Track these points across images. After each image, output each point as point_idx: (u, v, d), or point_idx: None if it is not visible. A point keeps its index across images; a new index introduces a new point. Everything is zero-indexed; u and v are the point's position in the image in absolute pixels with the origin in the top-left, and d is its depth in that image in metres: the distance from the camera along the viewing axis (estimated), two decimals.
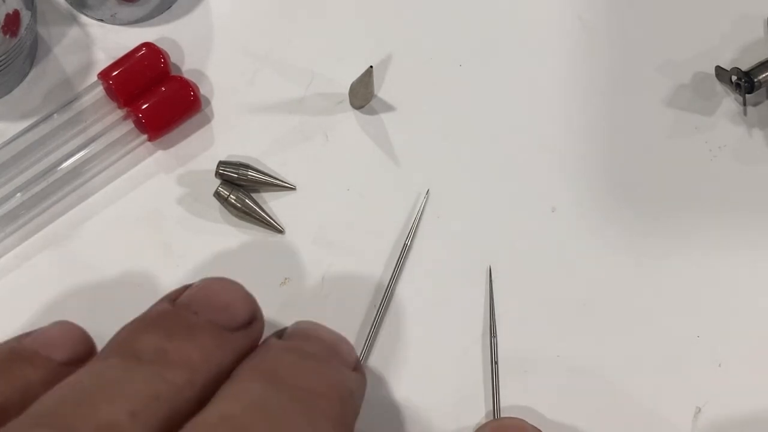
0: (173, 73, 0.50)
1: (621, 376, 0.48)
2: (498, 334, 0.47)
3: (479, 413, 0.47)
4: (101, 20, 0.51)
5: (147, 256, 0.48)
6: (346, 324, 0.47)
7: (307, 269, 0.48)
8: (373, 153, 0.51)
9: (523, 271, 0.49)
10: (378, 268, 0.48)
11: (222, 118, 0.50)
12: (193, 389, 0.29)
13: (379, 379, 0.47)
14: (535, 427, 0.43)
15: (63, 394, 0.28)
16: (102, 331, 0.47)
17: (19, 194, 0.47)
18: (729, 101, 0.53)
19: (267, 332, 0.47)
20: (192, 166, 0.49)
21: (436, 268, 0.49)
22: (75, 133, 0.49)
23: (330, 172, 0.50)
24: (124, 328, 0.33)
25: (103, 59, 0.50)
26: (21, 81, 0.50)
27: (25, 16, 0.47)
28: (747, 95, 0.52)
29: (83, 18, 0.51)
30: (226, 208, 0.48)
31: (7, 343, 0.33)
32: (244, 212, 0.48)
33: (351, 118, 0.51)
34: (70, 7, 0.51)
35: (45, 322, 0.46)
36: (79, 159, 0.48)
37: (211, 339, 0.31)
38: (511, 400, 0.47)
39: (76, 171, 0.48)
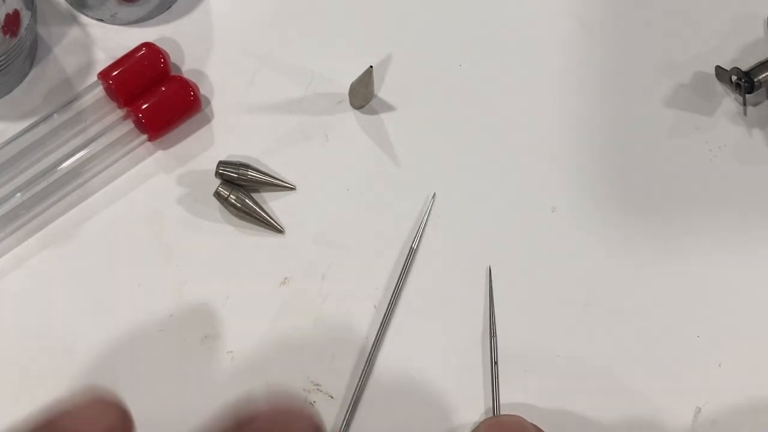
0: (173, 73, 0.50)
1: (621, 375, 0.48)
2: (498, 334, 0.47)
3: (479, 412, 0.47)
4: (101, 20, 0.51)
5: (147, 256, 0.48)
6: (346, 324, 0.47)
7: (307, 269, 0.48)
8: (373, 153, 0.51)
9: (523, 271, 0.49)
10: (378, 268, 0.48)
11: (222, 118, 0.50)
12: None
13: (381, 378, 0.47)
14: (534, 425, 0.43)
15: None
16: (102, 330, 0.47)
17: (19, 194, 0.47)
18: (729, 101, 0.53)
19: (267, 331, 0.47)
20: (192, 166, 0.49)
21: (436, 268, 0.49)
22: (75, 133, 0.49)
23: (330, 172, 0.50)
24: None
25: (103, 59, 0.50)
26: (21, 81, 0.50)
27: (25, 16, 0.47)
28: (747, 95, 0.52)
29: (83, 18, 0.51)
30: (226, 208, 0.48)
31: (44, 418, 0.33)
32: (244, 212, 0.48)
33: (351, 118, 0.51)
34: (70, 7, 0.51)
35: (45, 322, 0.46)
36: (79, 159, 0.48)
37: None
38: (511, 400, 0.47)
39: (76, 171, 0.48)
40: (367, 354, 0.47)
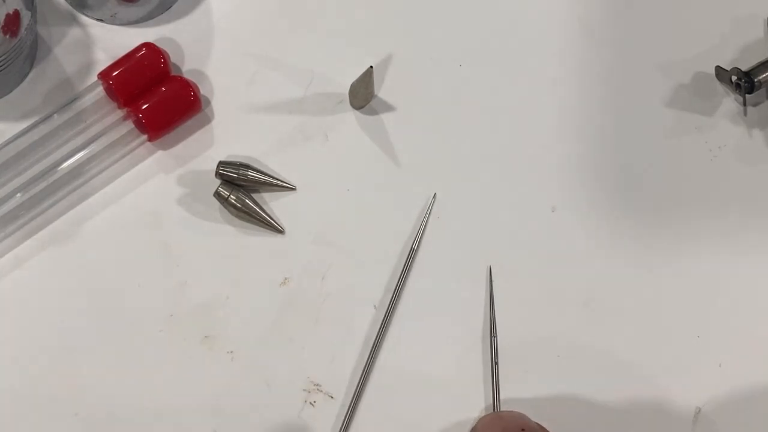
0: (173, 73, 0.50)
1: (621, 375, 0.48)
2: (498, 334, 0.47)
3: (479, 411, 0.47)
4: (101, 20, 0.51)
5: (147, 256, 0.48)
6: (346, 324, 0.47)
7: (307, 269, 0.48)
8: (373, 153, 0.51)
9: (523, 271, 0.49)
10: (378, 268, 0.48)
11: (222, 118, 0.50)
12: None
13: (381, 378, 0.47)
14: (536, 423, 0.43)
15: None
16: (102, 330, 0.47)
17: (19, 194, 0.47)
18: (729, 101, 0.53)
19: (267, 331, 0.47)
20: (192, 166, 0.49)
21: (436, 268, 0.49)
22: (75, 134, 0.49)
23: (330, 172, 0.50)
24: None
25: (103, 59, 0.50)
26: (21, 81, 0.50)
27: (25, 16, 0.47)
28: (747, 95, 0.52)
29: (83, 18, 0.51)
30: (226, 208, 0.48)
31: None
32: (244, 212, 0.48)
33: (351, 118, 0.51)
34: (70, 7, 0.51)
35: (45, 322, 0.46)
36: (79, 159, 0.48)
37: None
38: (511, 400, 0.47)
39: (76, 171, 0.48)
40: (368, 354, 0.47)
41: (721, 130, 0.53)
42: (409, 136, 0.51)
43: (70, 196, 0.48)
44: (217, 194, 0.48)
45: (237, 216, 0.48)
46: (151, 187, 0.49)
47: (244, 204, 0.48)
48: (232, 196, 0.48)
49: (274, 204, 0.49)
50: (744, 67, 0.52)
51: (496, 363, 0.47)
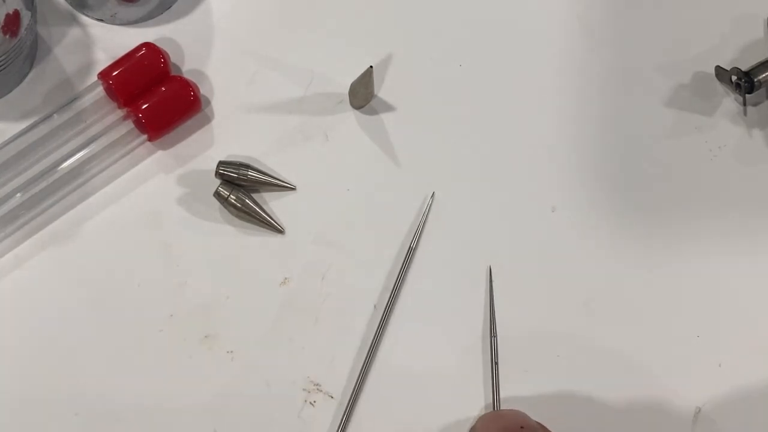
0: (173, 73, 0.50)
1: (620, 375, 0.48)
2: (498, 334, 0.47)
3: (479, 410, 0.47)
4: (101, 20, 0.51)
5: (147, 256, 0.48)
6: (346, 324, 0.47)
7: (307, 269, 0.48)
8: (373, 153, 0.51)
9: (523, 271, 0.49)
10: (378, 268, 0.48)
11: (222, 118, 0.50)
12: None
13: (381, 378, 0.47)
14: (536, 421, 0.43)
15: None
16: (102, 330, 0.47)
17: (19, 194, 0.47)
18: (729, 101, 0.53)
19: (267, 331, 0.47)
20: (192, 166, 0.49)
21: (436, 267, 0.49)
22: (75, 133, 0.49)
23: (330, 172, 0.50)
24: None
25: (103, 59, 0.50)
26: (21, 81, 0.50)
27: (25, 16, 0.47)
28: (747, 95, 0.52)
29: (83, 18, 0.51)
30: (226, 208, 0.48)
31: None
32: (244, 212, 0.48)
33: (351, 118, 0.51)
34: (70, 7, 0.51)
35: (45, 322, 0.46)
36: (79, 159, 0.48)
37: None
38: (511, 399, 0.47)
39: (76, 171, 0.48)
40: (367, 354, 0.47)
41: (721, 130, 0.53)
42: (408, 136, 0.51)
43: (70, 196, 0.48)
44: (217, 194, 0.48)
45: (237, 216, 0.48)
46: (151, 187, 0.49)
47: (244, 204, 0.48)
48: (232, 196, 0.48)
49: (274, 204, 0.49)
50: (744, 67, 0.52)
51: (496, 363, 0.47)
